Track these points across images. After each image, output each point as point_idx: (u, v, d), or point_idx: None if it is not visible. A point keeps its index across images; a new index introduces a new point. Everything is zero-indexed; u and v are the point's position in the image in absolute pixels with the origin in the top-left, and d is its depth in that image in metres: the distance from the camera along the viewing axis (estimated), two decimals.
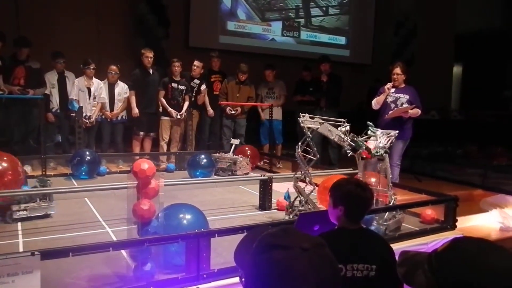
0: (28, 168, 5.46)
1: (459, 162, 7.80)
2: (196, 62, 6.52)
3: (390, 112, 5.16)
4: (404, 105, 5.10)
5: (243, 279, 0.97)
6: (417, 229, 3.72)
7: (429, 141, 8.79)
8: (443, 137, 9.19)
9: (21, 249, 2.91)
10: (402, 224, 3.69)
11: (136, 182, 2.71)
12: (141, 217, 2.59)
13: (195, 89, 6.56)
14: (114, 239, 3.18)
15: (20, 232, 3.29)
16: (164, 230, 2.68)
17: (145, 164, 2.64)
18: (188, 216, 2.89)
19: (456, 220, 3.85)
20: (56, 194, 3.99)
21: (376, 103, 5.32)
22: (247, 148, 6.33)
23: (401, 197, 4.57)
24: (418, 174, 6.33)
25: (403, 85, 5.26)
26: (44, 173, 5.31)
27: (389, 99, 5.25)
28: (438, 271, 0.98)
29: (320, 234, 2.14)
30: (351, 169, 4.75)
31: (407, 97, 5.15)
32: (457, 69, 13.69)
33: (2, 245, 2.98)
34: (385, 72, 5.87)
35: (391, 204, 3.65)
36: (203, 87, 6.61)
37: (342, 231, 2.03)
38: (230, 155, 5.88)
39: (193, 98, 6.55)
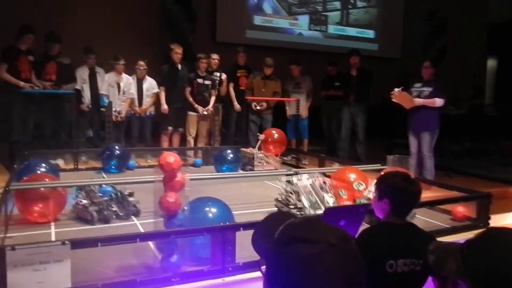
0: (60, 162, 5.63)
1: (492, 158, 7.54)
2: (214, 55, 6.57)
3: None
4: (418, 99, 5.30)
5: (262, 268, 0.95)
6: (448, 226, 3.62)
7: (461, 137, 8.53)
8: (476, 132, 8.90)
9: (53, 239, 3.00)
10: (431, 221, 3.61)
11: (163, 175, 2.75)
12: (167, 210, 2.63)
13: (217, 81, 6.60)
14: (142, 231, 3.24)
15: (52, 223, 3.39)
16: (190, 223, 2.71)
17: (171, 157, 2.67)
18: (213, 210, 2.91)
19: (489, 218, 3.72)
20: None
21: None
22: (274, 132, 6.19)
23: (431, 194, 4.46)
24: (449, 170, 6.16)
25: (430, 79, 5.42)
26: (76, 166, 5.46)
27: (414, 93, 5.44)
28: (469, 259, 0.96)
29: (365, 230, 2.11)
30: (379, 165, 4.68)
31: (430, 89, 5.34)
32: (491, 63, 13.19)
33: (36, 235, 3.09)
34: (415, 66, 5.77)
35: None
36: (224, 76, 6.68)
37: (389, 226, 1.99)
38: (253, 150, 5.92)
39: (216, 92, 6.60)
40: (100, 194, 3.61)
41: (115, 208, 3.56)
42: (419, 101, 5.25)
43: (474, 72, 12.16)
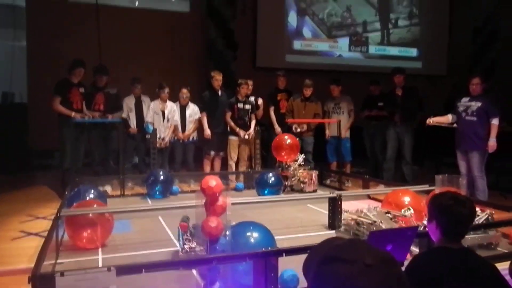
0: (108, 188, 5.82)
1: None
2: (249, 81, 6.61)
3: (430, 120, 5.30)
4: (474, 113, 5.10)
5: None
6: (506, 251, 3.37)
7: None
8: None
9: (100, 265, 3.07)
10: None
11: (204, 200, 2.76)
12: (209, 234, 2.63)
13: (254, 105, 6.65)
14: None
15: (100, 249, 3.48)
16: (232, 248, 2.69)
17: (213, 181, 2.69)
18: (255, 235, 2.88)
19: None
20: (132, 213, 4.22)
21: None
22: (286, 137, 5.95)
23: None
24: (505, 190, 5.80)
25: (479, 94, 5.16)
26: (122, 193, 5.63)
27: (460, 108, 5.24)
28: None
29: (417, 255, 2.00)
30: (427, 186, 4.49)
31: (479, 104, 5.07)
32: None
33: (84, 261, 3.18)
34: (462, 82, 5.56)
35: None
36: (260, 100, 6.76)
37: (441, 250, 1.86)
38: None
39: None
40: None
41: None
42: (492, 142, 4.96)
43: None
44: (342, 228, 3.97)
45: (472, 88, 5.15)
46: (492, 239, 3.37)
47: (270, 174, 5.62)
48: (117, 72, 6.72)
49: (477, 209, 3.48)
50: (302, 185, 5.75)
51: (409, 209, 3.68)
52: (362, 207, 3.99)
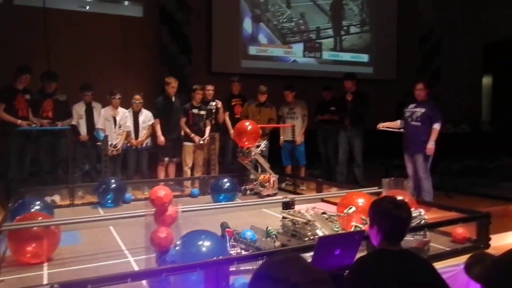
0: (57, 198, 5.60)
1: (493, 176, 7.49)
2: (209, 86, 6.66)
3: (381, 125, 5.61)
4: (418, 118, 5.38)
5: None
6: (448, 249, 3.55)
7: (460, 155, 8.50)
8: (475, 150, 8.87)
9: (45, 281, 2.94)
10: (430, 244, 3.52)
11: (154, 209, 2.73)
12: (158, 246, 2.59)
13: (213, 110, 6.65)
14: (136, 268, 3.18)
15: (45, 263, 3.33)
16: (183, 258, 2.66)
17: (162, 191, 2.66)
18: (207, 243, 2.85)
19: (490, 239, 3.66)
20: (81, 224, 4.08)
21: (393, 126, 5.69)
22: (247, 123, 5.90)
23: (431, 215, 4.40)
24: (449, 190, 6.11)
25: (424, 99, 5.44)
26: (72, 202, 5.43)
27: (407, 114, 5.51)
28: (491, 273, 1.17)
29: (360, 258, 2.07)
30: (377, 188, 4.65)
31: (423, 110, 5.35)
32: (486, 80, 13.30)
33: (27, 277, 3.03)
34: (411, 87, 5.81)
35: None
36: (219, 103, 6.74)
37: (382, 253, 1.94)
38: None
39: (213, 121, 6.63)
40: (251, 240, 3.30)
41: None
42: (430, 145, 5.19)
43: (470, 90, 12.27)
44: (281, 229, 3.88)
45: (417, 94, 5.44)
46: (419, 244, 3.33)
47: (225, 180, 5.62)
48: (67, 78, 6.50)
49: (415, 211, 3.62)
50: (260, 189, 5.79)
51: (351, 207, 3.79)
52: (301, 208, 4.05)
